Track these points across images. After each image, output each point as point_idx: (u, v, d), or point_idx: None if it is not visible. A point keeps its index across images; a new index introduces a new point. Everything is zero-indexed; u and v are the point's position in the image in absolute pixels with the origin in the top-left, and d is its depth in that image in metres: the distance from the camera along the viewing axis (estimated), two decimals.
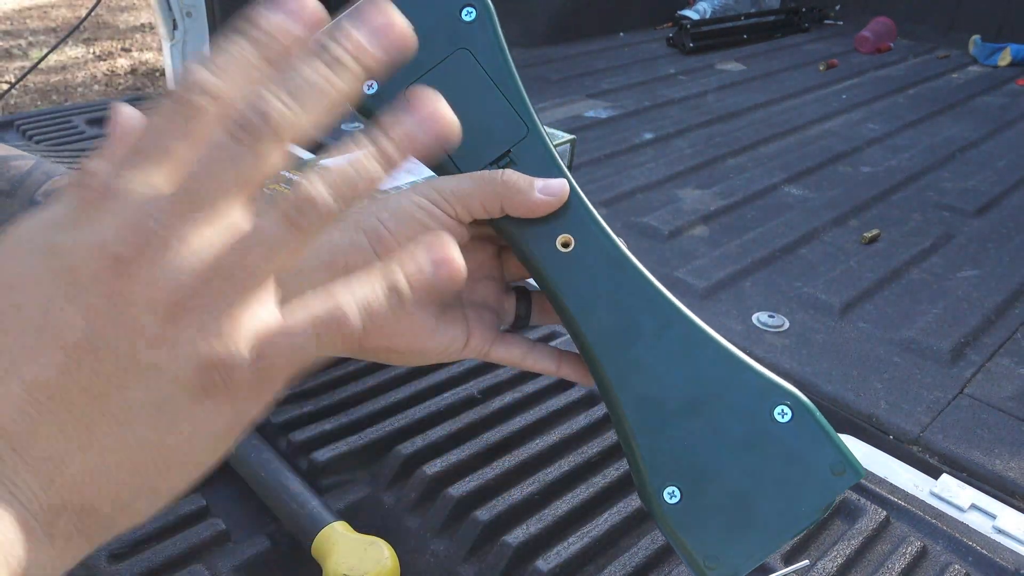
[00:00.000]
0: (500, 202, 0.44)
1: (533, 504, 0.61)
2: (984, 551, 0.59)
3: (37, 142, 1.22)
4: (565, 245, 0.45)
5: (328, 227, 0.25)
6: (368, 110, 0.43)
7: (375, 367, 0.70)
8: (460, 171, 0.46)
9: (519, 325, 0.53)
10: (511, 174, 0.45)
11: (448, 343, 0.48)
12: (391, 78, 0.38)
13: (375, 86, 0.43)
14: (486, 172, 0.45)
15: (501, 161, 0.46)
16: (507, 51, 0.45)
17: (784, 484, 0.38)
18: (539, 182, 0.45)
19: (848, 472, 0.39)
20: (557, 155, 0.46)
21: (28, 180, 0.55)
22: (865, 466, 0.67)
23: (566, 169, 0.47)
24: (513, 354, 0.51)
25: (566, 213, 0.45)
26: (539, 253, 0.46)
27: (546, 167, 0.46)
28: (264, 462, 0.56)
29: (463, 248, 0.47)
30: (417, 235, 0.41)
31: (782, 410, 0.39)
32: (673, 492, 0.39)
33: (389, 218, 0.43)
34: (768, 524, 0.38)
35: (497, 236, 0.52)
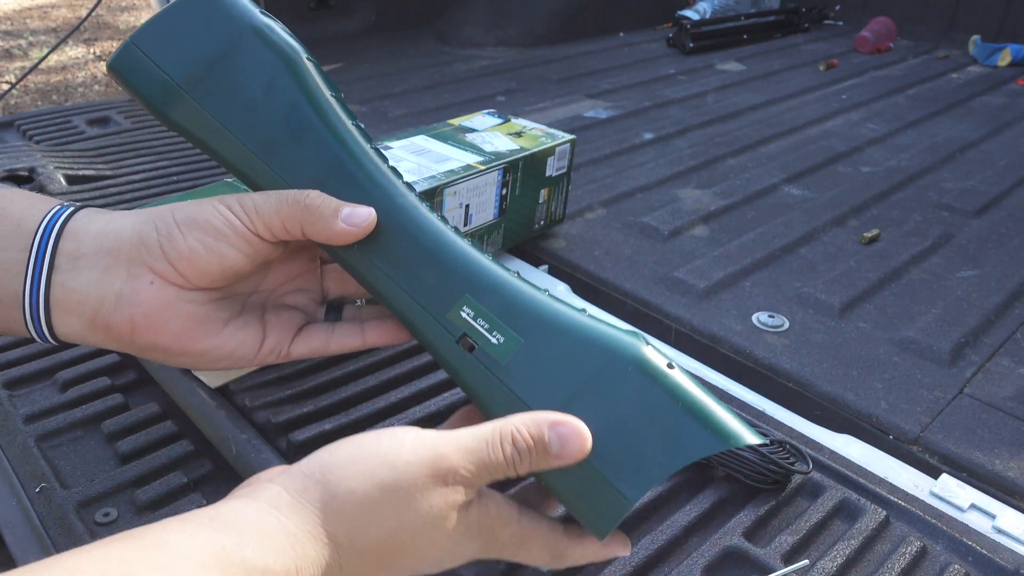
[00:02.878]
0: (301, 225, 0.43)
1: None
2: (984, 551, 0.59)
3: (37, 142, 1.22)
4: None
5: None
6: None
7: (376, 367, 0.70)
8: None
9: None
10: (316, 197, 0.43)
11: (235, 347, 0.47)
12: None
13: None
14: (292, 193, 0.43)
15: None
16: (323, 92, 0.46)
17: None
18: (344, 209, 0.42)
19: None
20: (383, 177, 0.44)
21: None
22: (865, 466, 0.67)
23: (400, 185, 0.45)
24: (314, 346, 0.50)
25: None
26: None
27: (360, 193, 0.44)
28: (263, 463, 0.56)
29: (277, 260, 0.49)
30: (212, 240, 0.42)
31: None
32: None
33: (184, 219, 0.43)
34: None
35: (321, 251, 0.50)
